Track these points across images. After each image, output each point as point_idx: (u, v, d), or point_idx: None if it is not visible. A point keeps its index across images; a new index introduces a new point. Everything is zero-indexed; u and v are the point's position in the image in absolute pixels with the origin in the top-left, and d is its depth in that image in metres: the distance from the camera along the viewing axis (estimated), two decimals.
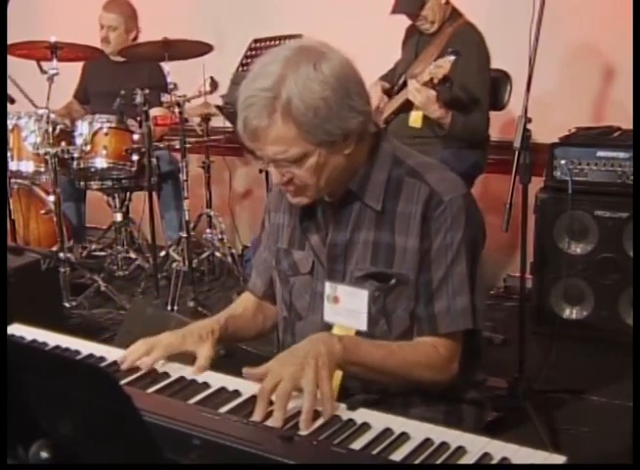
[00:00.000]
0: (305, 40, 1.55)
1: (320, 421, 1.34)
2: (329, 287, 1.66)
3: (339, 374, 1.58)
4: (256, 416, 1.33)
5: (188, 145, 3.99)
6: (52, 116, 3.91)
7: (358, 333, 1.63)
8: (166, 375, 1.53)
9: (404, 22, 3.61)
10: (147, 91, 3.88)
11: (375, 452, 1.24)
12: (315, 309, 1.69)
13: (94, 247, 4.65)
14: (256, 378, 1.41)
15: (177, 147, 4.00)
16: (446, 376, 1.61)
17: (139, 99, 3.86)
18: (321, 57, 1.50)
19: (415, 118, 3.41)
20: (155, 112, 4.04)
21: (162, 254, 4.29)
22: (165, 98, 3.99)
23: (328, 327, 1.66)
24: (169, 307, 3.82)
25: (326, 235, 1.67)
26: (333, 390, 1.41)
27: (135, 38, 4.59)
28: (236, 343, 1.82)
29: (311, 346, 1.46)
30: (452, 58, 3.18)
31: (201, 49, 4.00)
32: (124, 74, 4.33)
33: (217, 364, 1.58)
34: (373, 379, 1.58)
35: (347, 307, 1.64)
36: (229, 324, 1.72)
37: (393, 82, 3.60)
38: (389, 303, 1.61)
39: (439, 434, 1.28)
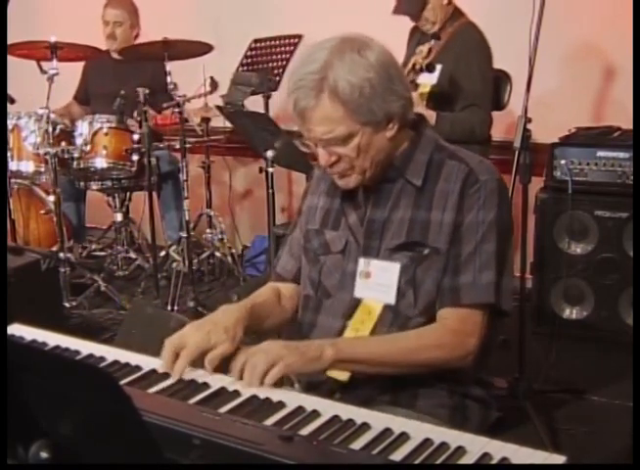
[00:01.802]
0: (349, 33, 1.64)
1: (321, 421, 1.34)
2: (362, 263, 1.71)
3: (345, 374, 1.60)
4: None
5: (188, 145, 3.99)
6: (52, 116, 3.91)
7: (386, 307, 1.66)
8: (166, 375, 1.52)
9: (406, 22, 3.60)
10: (147, 91, 3.89)
11: (375, 452, 1.24)
12: (344, 288, 1.73)
13: (94, 247, 4.65)
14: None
15: (177, 147, 4.00)
16: (462, 352, 1.62)
17: (141, 98, 3.86)
18: (364, 45, 1.61)
19: None
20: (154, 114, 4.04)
21: (162, 254, 4.29)
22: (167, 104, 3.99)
23: (357, 302, 1.70)
24: (169, 307, 3.82)
25: (364, 213, 1.73)
26: (280, 371, 1.46)
27: (137, 36, 4.61)
28: (259, 333, 1.79)
29: (306, 342, 1.57)
30: (432, 42, 3.22)
31: (201, 49, 4.00)
32: (126, 73, 4.33)
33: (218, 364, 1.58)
34: (383, 373, 1.60)
35: (378, 281, 1.68)
36: (254, 311, 1.72)
37: None
38: (419, 273, 1.65)
39: (439, 434, 1.28)
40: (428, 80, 3.29)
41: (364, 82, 1.56)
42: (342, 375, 1.62)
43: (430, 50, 3.26)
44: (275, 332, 1.85)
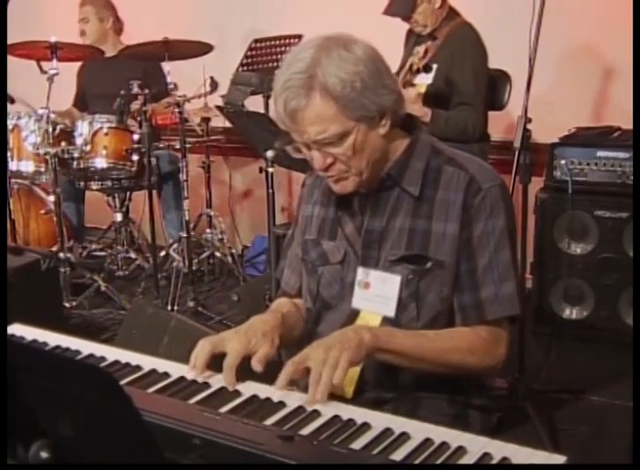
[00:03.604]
0: (331, 32, 1.59)
1: (321, 421, 1.34)
2: (361, 272, 1.67)
3: (356, 369, 1.58)
4: (277, 384, 1.43)
5: (188, 145, 3.99)
6: (52, 115, 3.91)
7: (385, 319, 1.64)
8: (166, 375, 1.52)
9: (404, 23, 3.61)
10: (147, 91, 3.89)
11: (375, 452, 1.24)
12: (345, 298, 1.70)
13: (94, 247, 4.65)
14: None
15: (177, 147, 4.00)
16: (493, 361, 1.63)
17: (135, 89, 3.87)
18: (350, 41, 1.56)
19: None
20: (152, 106, 4.03)
21: (162, 254, 4.29)
22: (164, 103, 3.99)
23: (355, 313, 1.67)
24: (169, 307, 3.82)
25: (361, 223, 1.69)
26: (343, 376, 1.43)
27: (118, 29, 4.66)
28: (287, 343, 1.72)
29: (341, 333, 1.52)
30: (428, 43, 3.23)
31: (201, 49, 4.01)
32: (120, 72, 4.32)
33: (218, 364, 1.58)
34: (411, 367, 1.58)
35: (378, 293, 1.64)
36: (284, 320, 1.69)
37: None
38: (422, 286, 1.62)
39: (440, 434, 1.28)
40: (424, 80, 3.31)
41: (354, 76, 1.52)
42: (347, 393, 1.60)
43: (426, 51, 3.27)
44: (298, 343, 1.79)
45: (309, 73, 1.51)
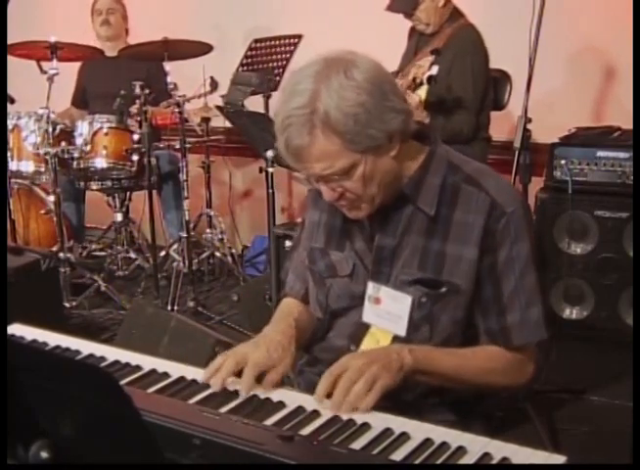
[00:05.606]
0: (331, 52, 1.51)
1: (321, 421, 1.34)
2: (372, 287, 1.63)
3: None
4: (317, 394, 1.40)
5: (188, 145, 3.99)
6: (52, 115, 3.91)
7: (396, 338, 1.61)
8: (166, 375, 1.52)
9: (405, 22, 3.61)
10: (147, 91, 3.89)
11: (375, 452, 1.24)
12: (354, 308, 1.67)
13: (94, 247, 4.65)
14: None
15: (177, 147, 4.00)
16: (523, 380, 1.64)
17: (138, 90, 3.87)
18: (350, 64, 1.47)
19: None
20: (151, 109, 4.04)
21: (162, 254, 4.29)
22: (164, 104, 4.00)
23: (364, 327, 1.65)
24: (169, 307, 3.82)
25: (371, 237, 1.64)
26: (373, 402, 1.40)
27: (127, 32, 4.68)
28: (299, 348, 1.70)
29: (384, 350, 1.51)
30: (431, 57, 3.23)
31: (201, 49, 4.01)
32: (122, 72, 4.32)
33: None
34: (446, 386, 1.57)
35: (389, 310, 1.61)
36: (298, 326, 1.68)
37: None
38: (436, 310, 1.59)
39: (440, 434, 1.28)
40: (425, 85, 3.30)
41: (357, 108, 1.44)
42: None
43: (430, 65, 3.26)
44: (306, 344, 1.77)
45: (310, 109, 1.43)
